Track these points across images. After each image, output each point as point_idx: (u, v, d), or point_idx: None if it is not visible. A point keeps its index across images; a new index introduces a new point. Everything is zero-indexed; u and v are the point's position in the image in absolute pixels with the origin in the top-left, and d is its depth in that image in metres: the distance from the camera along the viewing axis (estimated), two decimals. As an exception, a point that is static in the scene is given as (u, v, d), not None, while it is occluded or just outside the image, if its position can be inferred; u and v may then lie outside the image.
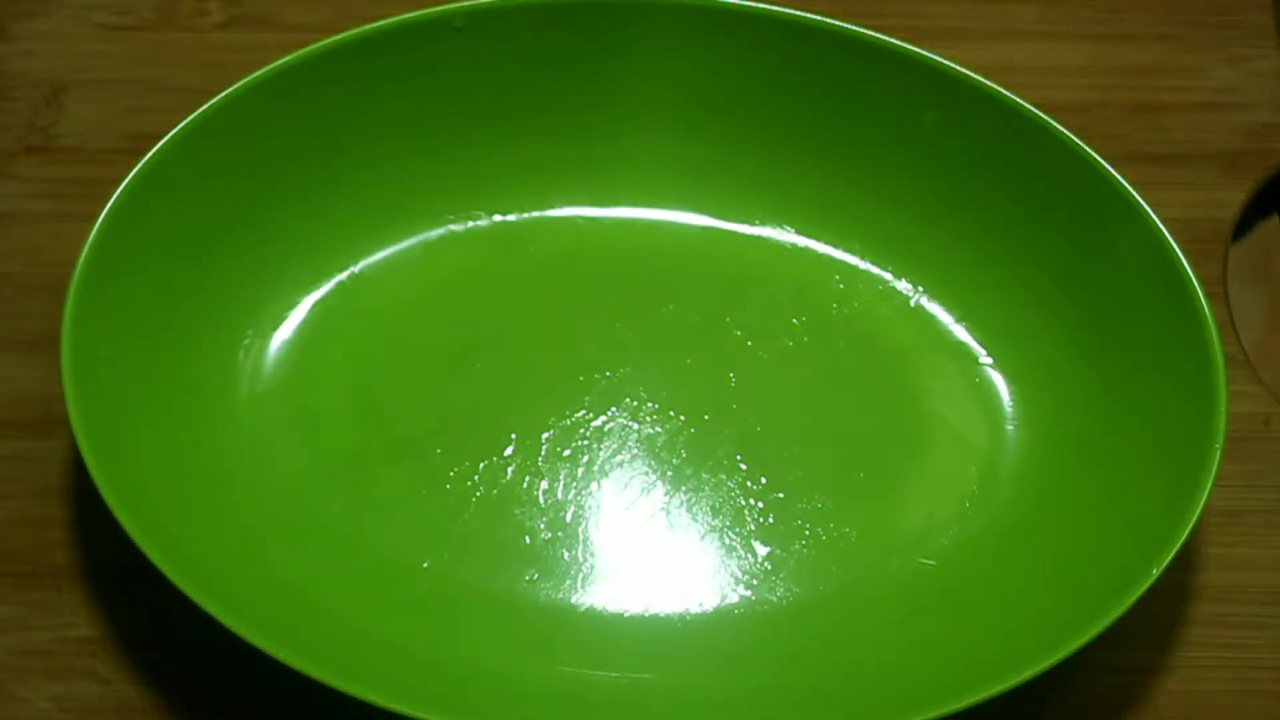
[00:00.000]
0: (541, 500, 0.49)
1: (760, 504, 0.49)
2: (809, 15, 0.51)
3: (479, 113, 0.53)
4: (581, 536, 0.48)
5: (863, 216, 0.53)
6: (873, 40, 0.51)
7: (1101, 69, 0.59)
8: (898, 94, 0.52)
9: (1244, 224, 0.56)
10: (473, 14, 0.51)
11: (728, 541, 0.48)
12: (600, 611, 0.47)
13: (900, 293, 0.53)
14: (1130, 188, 0.49)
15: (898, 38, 0.51)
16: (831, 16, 0.51)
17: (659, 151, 0.54)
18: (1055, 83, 0.59)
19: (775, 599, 0.47)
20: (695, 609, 0.47)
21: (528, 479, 0.49)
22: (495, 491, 0.49)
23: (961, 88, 0.51)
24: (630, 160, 0.54)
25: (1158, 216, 0.48)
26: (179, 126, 0.49)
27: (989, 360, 0.52)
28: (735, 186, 0.54)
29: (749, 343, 0.52)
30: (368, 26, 0.51)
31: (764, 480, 0.49)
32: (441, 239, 0.54)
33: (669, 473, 0.50)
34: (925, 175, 0.52)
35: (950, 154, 0.52)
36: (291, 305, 0.52)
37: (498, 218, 0.54)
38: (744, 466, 0.50)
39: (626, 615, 0.47)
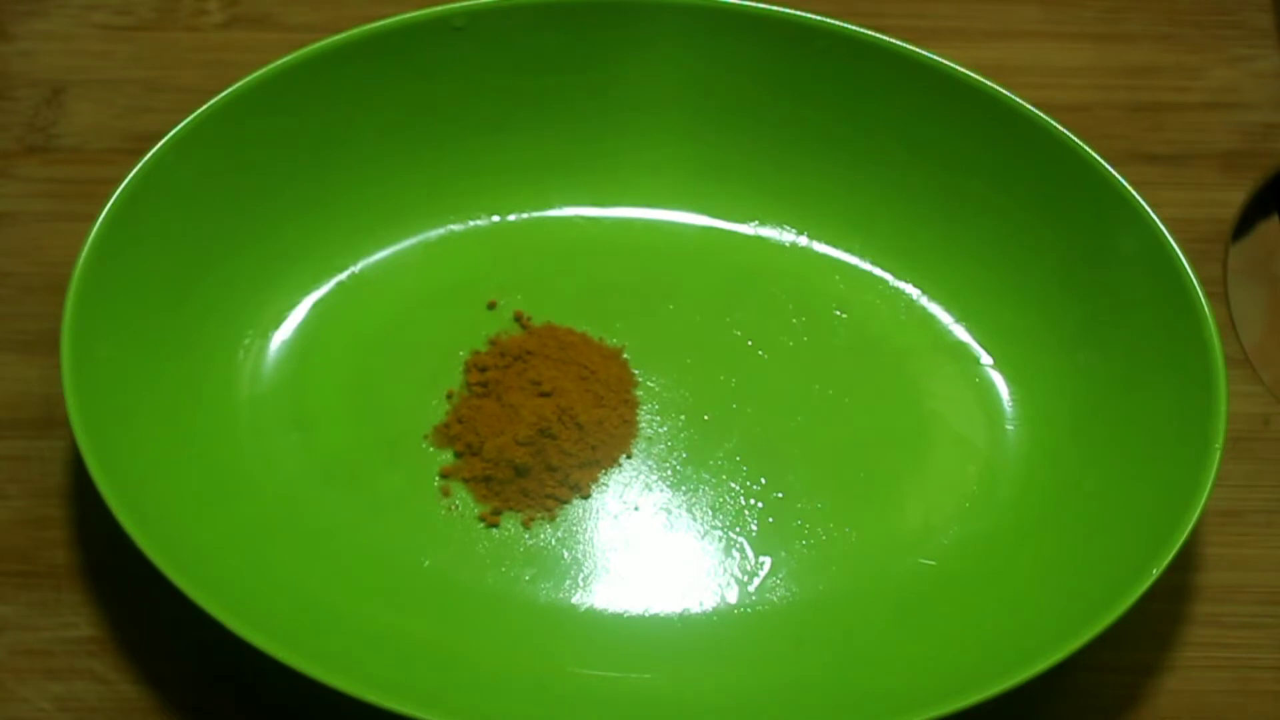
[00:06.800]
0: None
1: (760, 504, 0.49)
2: (810, 15, 0.51)
3: (479, 113, 0.53)
4: (581, 536, 0.48)
5: (863, 217, 0.53)
6: (873, 40, 0.51)
7: (1101, 69, 0.60)
8: (898, 94, 0.52)
9: (1244, 224, 0.56)
10: (473, 14, 0.51)
11: (728, 541, 0.48)
12: (600, 611, 0.47)
13: (901, 293, 0.53)
14: (1130, 188, 0.49)
15: (898, 38, 0.51)
16: (832, 16, 0.51)
17: (659, 151, 0.54)
18: (1055, 83, 0.59)
19: (775, 599, 0.47)
20: (695, 609, 0.47)
21: (528, 479, 0.49)
22: (495, 491, 0.49)
23: (961, 88, 0.51)
24: (630, 160, 0.54)
25: (1158, 216, 0.48)
26: (179, 126, 0.49)
27: (989, 360, 0.52)
28: (735, 186, 0.54)
29: (749, 343, 0.52)
30: (368, 26, 0.51)
31: (764, 480, 0.49)
32: (441, 239, 0.54)
33: (669, 473, 0.50)
34: (925, 176, 0.52)
35: (950, 154, 0.52)
36: (291, 305, 0.52)
37: (497, 218, 0.54)
38: (744, 467, 0.50)
39: (626, 615, 0.47)
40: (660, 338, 0.52)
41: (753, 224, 0.54)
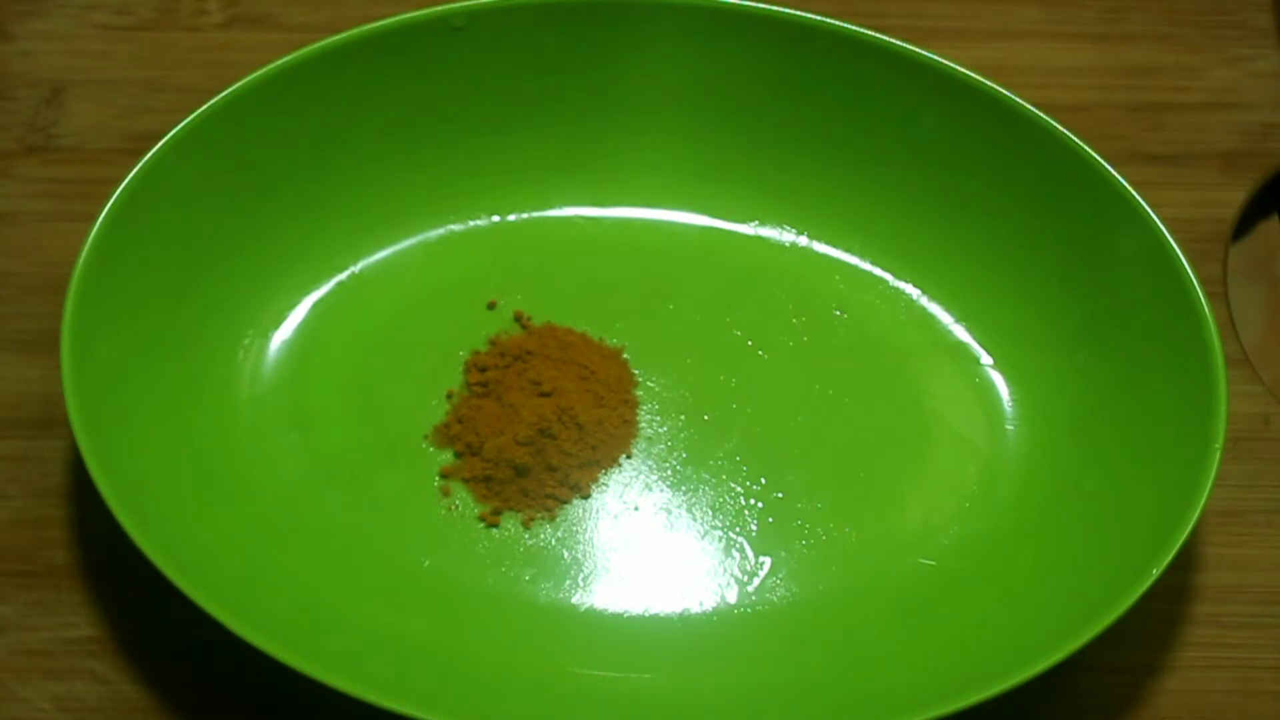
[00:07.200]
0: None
1: (760, 504, 0.49)
2: (810, 15, 0.51)
3: (479, 113, 0.53)
4: (581, 536, 0.48)
5: (863, 217, 0.53)
6: (873, 40, 0.51)
7: (1101, 69, 0.60)
8: (898, 94, 0.52)
9: (1244, 224, 0.56)
10: (473, 14, 0.51)
11: (728, 541, 0.48)
12: (600, 611, 0.47)
13: (901, 293, 0.53)
14: (1130, 188, 0.49)
15: (898, 38, 0.51)
16: (832, 16, 0.51)
17: (659, 151, 0.54)
18: (1055, 83, 0.59)
19: (775, 599, 0.47)
20: (695, 609, 0.47)
21: (528, 479, 0.49)
22: (495, 491, 0.49)
23: (961, 88, 0.51)
24: (630, 160, 0.54)
25: (1158, 216, 0.48)
26: (179, 126, 0.49)
27: (989, 360, 0.52)
28: (735, 186, 0.54)
29: (749, 343, 0.52)
30: (368, 26, 0.51)
31: (764, 480, 0.49)
32: (441, 239, 0.54)
33: (669, 473, 0.50)
34: (925, 176, 0.52)
35: (950, 154, 0.52)
36: (291, 305, 0.52)
37: (497, 218, 0.54)
38: (744, 467, 0.50)
39: (626, 615, 0.47)
40: (660, 338, 0.52)
41: (753, 224, 0.54)
